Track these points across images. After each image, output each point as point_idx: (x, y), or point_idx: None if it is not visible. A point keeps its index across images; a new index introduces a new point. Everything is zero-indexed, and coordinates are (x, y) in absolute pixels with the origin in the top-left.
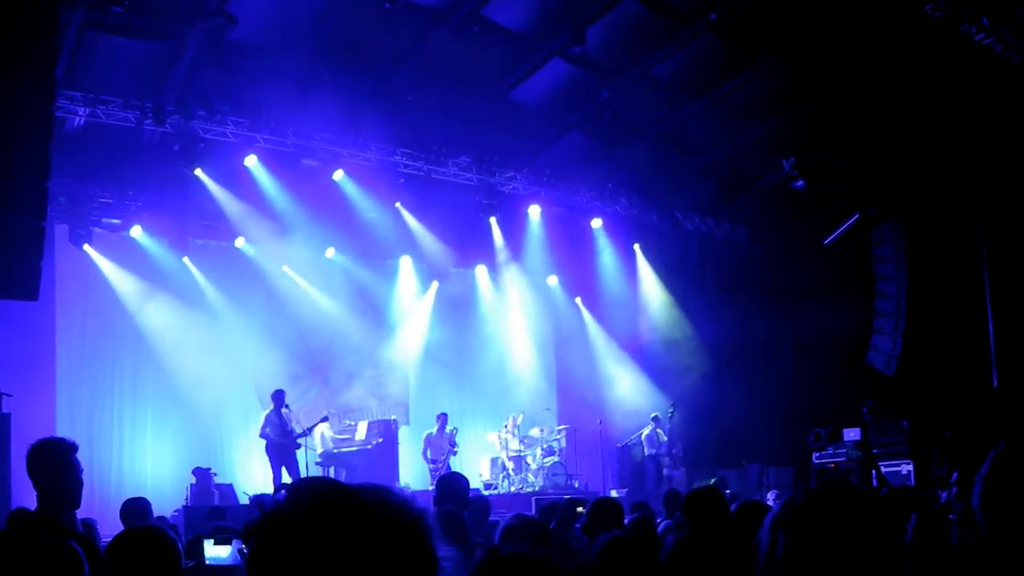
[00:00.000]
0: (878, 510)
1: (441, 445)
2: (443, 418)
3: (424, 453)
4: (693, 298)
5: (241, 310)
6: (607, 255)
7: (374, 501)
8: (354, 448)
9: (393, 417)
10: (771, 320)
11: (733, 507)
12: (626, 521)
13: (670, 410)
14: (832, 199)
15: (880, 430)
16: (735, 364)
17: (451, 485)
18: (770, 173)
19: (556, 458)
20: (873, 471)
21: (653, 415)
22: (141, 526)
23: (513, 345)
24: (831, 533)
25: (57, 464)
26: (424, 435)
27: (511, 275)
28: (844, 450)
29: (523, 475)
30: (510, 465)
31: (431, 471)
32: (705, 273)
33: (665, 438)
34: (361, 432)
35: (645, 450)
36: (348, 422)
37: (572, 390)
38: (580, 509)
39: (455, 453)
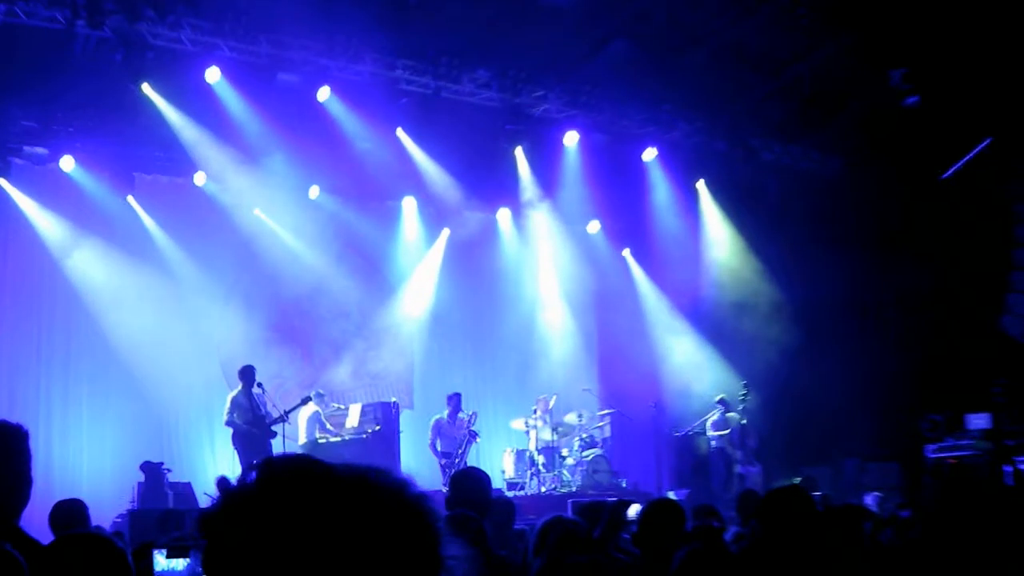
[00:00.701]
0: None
1: (454, 434)
2: (456, 399)
3: (433, 444)
4: (772, 249)
5: (201, 264)
6: (662, 194)
7: (362, 482)
8: (344, 438)
9: (393, 399)
10: (872, 276)
11: (823, 512)
12: (688, 528)
13: (742, 391)
14: (954, 120)
15: (1015, 416)
16: (825, 333)
17: (468, 484)
18: (871, 89)
19: (598, 451)
20: (1006, 467)
21: (720, 397)
22: (79, 533)
23: (544, 309)
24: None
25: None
26: (432, 421)
27: (541, 221)
28: (968, 441)
29: (556, 472)
30: (540, 459)
31: (442, 467)
32: (787, 216)
33: (736, 426)
34: (353, 418)
35: (711, 441)
36: (336, 406)
37: (618, 365)
38: (631, 513)
39: (474, 443)
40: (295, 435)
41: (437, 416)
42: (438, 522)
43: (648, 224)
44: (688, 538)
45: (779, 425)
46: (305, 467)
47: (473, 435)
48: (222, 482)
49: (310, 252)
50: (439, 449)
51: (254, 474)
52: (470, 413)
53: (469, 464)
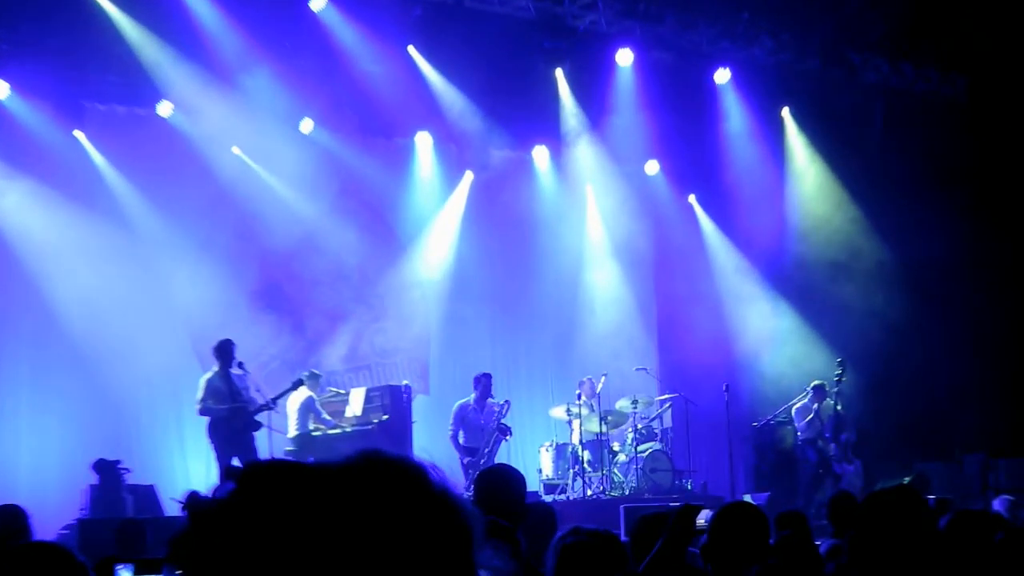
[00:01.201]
0: None
1: (482, 424)
2: (485, 382)
3: (454, 437)
4: (875, 194)
5: (166, 214)
6: (737, 126)
7: (368, 480)
8: (344, 430)
9: (405, 382)
10: (1002, 231)
11: (941, 520)
12: (771, 542)
13: (837, 372)
14: None
15: None
16: (941, 300)
17: (497, 486)
18: None
19: (657, 445)
20: None
21: (815, 384)
22: (26, 544)
23: (590, 269)
24: None
25: None
26: (456, 407)
27: (586, 160)
28: None
29: (606, 471)
30: (585, 456)
31: (465, 465)
32: (897, 153)
33: (830, 414)
34: (355, 405)
35: (798, 433)
36: (334, 391)
37: (682, 339)
38: (701, 521)
39: (506, 438)
40: (284, 426)
41: (462, 401)
42: (473, 521)
43: (720, 163)
44: (770, 552)
45: (883, 413)
46: (295, 474)
47: (505, 431)
48: (191, 499)
49: (301, 200)
50: (462, 443)
51: (230, 485)
52: (502, 402)
53: (498, 461)
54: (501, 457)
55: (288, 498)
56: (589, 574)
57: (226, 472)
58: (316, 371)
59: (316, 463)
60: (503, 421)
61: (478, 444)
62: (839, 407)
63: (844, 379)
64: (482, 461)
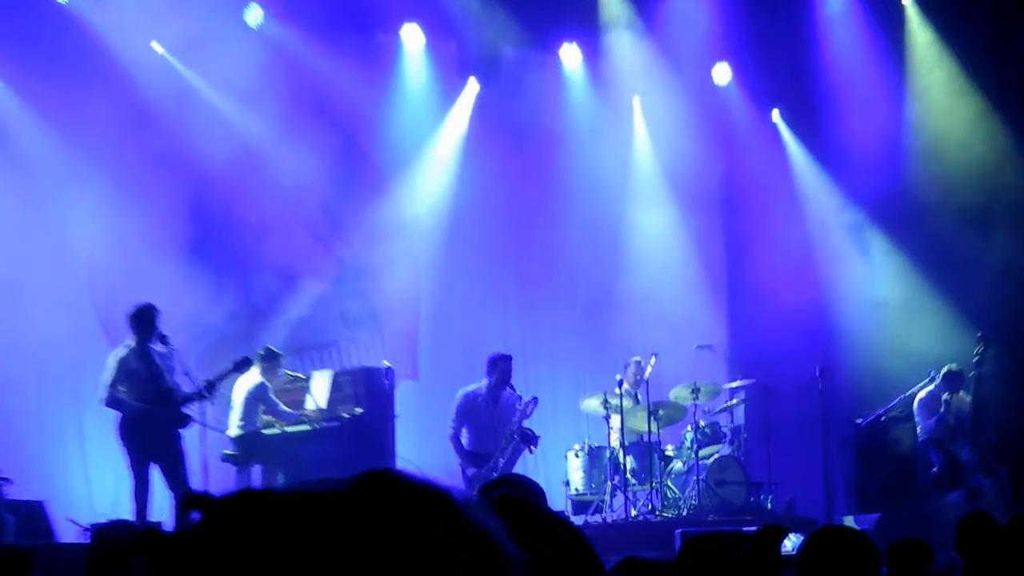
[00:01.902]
0: None
1: (495, 423)
2: (503, 367)
3: (455, 437)
4: None
5: (63, 134)
6: (839, 17)
7: (388, 518)
8: (306, 427)
9: (386, 363)
10: None
11: None
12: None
13: (976, 352)
14: None
15: None
16: None
17: (512, 501)
18: None
19: (726, 449)
20: None
21: (948, 369)
22: None
23: (636, 212)
24: None
25: None
26: (459, 397)
27: (633, 62)
28: None
29: (656, 483)
30: (628, 463)
31: (469, 478)
32: None
33: (966, 408)
34: (318, 394)
35: (919, 434)
36: (292, 374)
37: (760, 307)
38: (788, 547)
39: (530, 449)
40: (223, 420)
41: (469, 388)
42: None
43: (812, 68)
44: None
45: None
46: (280, 506)
47: (529, 439)
48: (101, 534)
49: (246, 117)
50: (466, 445)
51: (194, 516)
52: (528, 400)
53: (515, 471)
54: (522, 468)
55: (278, 537)
56: None
57: (183, 499)
58: (273, 348)
59: (300, 490)
60: (527, 425)
61: (489, 449)
62: (978, 400)
63: (984, 358)
64: (493, 475)
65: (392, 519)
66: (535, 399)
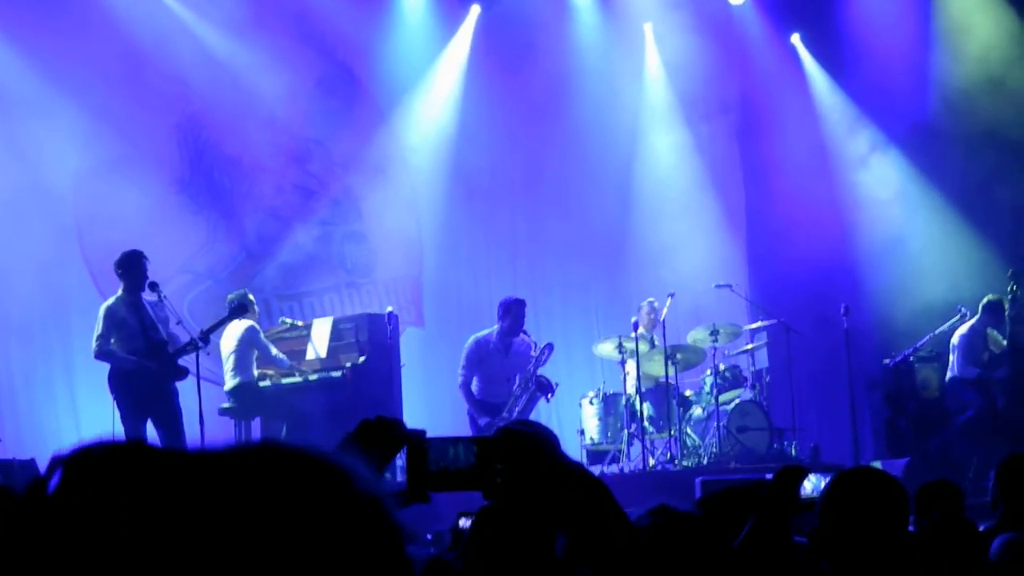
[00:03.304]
0: None
1: (508, 372)
2: (516, 311)
3: (466, 384)
4: None
5: (41, 67)
6: None
7: (269, 487)
8: (304, 378)
9: (389, 309)
10: None
11: None
12: (912, 526)
13: (1010, 287)
14: None
15: None
16: None
17: (526, 446)
18: None
19: (748, 393)
20: None
21: (989, 299)
22: None
23: (649, 143)
24: None
25: None
26: (469, 344)
27: None
28: None
29: (675, 431)
30: (646, 410)
31: (481, 428)
32: None
33: (1003, 344)
34: (319, 342)
35: (955, 369)
36: (289, 322)
37: (781, 243)
38: (806, 488)
39: (547, 397)
40: (219, 373)
41: (480, 334)
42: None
43: None
44: (911, 540)
45: None
46: (153, 462)
47: (546, 387)
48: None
49: (235, 48)
50: (477, 395)
51: (54, 477)
52: (542, 346)
53: (517, 422)
54: (538, 416)
55: (137, 499)
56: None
57: (52, 460)
58: (248, 293)
59: (189, 451)
60: (541, 371)
61: (501, 398)
62: (1015, 342)
63: (1019, 300)
64: (509, 415)
65: (268, 488)
66: (550, 345)
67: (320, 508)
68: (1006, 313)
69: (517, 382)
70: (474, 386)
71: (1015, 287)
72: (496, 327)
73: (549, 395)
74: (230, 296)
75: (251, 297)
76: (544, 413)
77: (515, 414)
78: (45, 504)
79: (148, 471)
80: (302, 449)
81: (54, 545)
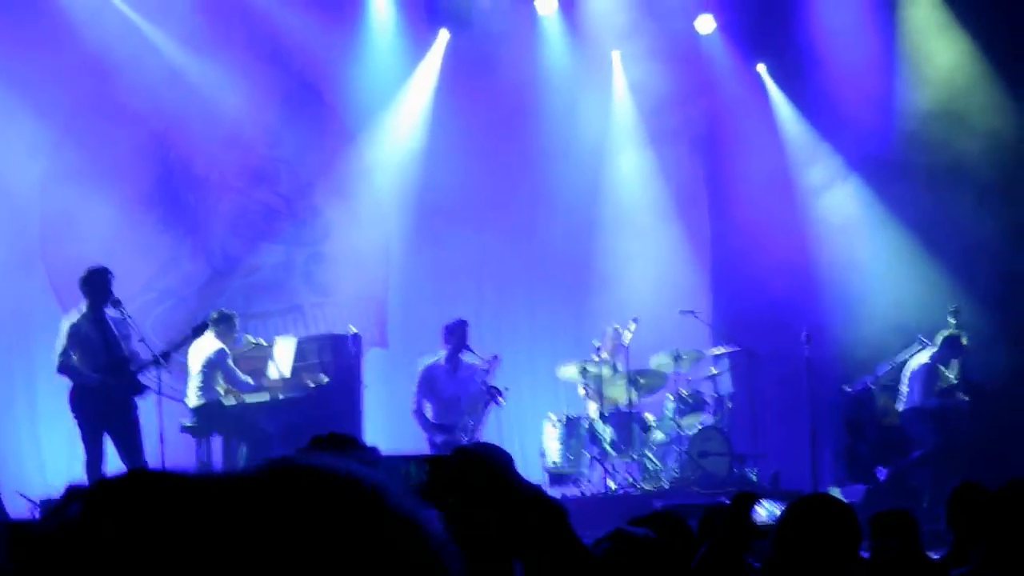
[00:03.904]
0: None
1: (458, 391)
2: (458, 332)
3: (419, 409)
4: None
5: (9, 87)
6: None
7: (301, 513)
8: (267, 397)
9: (353, 330)
10: None
11: None
12: (863, 551)
13: (952, 310)
14: None
15: None
16: None
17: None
18: None
19: (710, 418)
20: None
21: (947, 335)
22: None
23: (616, 170)
24: None
25: None
26: (420, 370)
27: (613, 12)
28: None
29: (637, 455)
30: (607, 434)
31: (438, 447)
32: None
33: (952, 381)
34: (282, 362)
35: (913, 399)
36: (253, 341)
37: (744, 270)
38: (762, 515)
39: (498, 402)
40: (181, 390)
41: (428, 360)
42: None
43: (800, 19)
44: (863, 567)
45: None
46: (175, 491)
47: (495, 394)
48: (11, 538)
49: (202, 67)
50: (430, 417)
51: (74, 507)
52: (488, 357)
53: (474, 442)
54: (488, 436)
55: (163, 529)
56: None
57: (68, 491)
58: (227, 311)
59: (208, 476)
60: (492, 381)
61: (454, 419)
62: (961, 373)
63: (958, 324)
64: (464, 439)
65: (302, 510)
66: (496, 356)
67: (357, 533)
68: (962, 346)
69: (469, 400)
70: (428, 410)
71: (955, 323)
72: (443, 352)
73: (500, 398)
74: (212, 314)
75: (229, 313)
76: (507, 435)
77: (471, 426)
78: (67, 535)
79: (176, 498)
80: (331, 468)
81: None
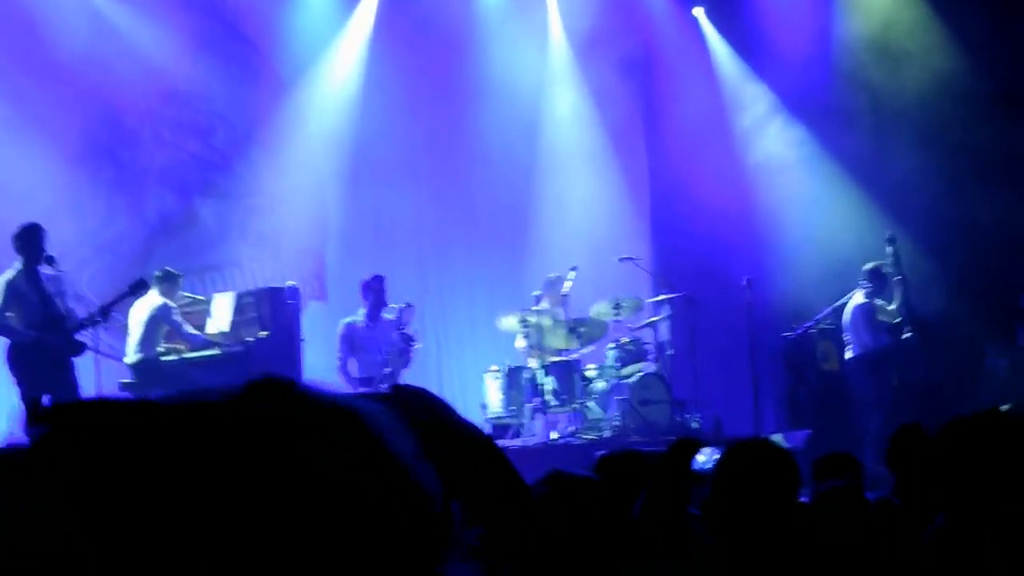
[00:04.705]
0: None
1: (379, 344)
2: (375, 288)
3: (344, 366)
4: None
5: None
6: None
7: (272, 433)
8: (206, 354)
9: (291, 283)
10: None
11: None
12: (803, 494)
13: (888, 249)
14: None
15: None
16: None
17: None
18: None
19: (651, 366)
20: None
21: (869, 267)
22: None
23: (552, 116)
24: None
25: None
26: (340, 329)
27: None
28: None
29: (578, 405)
30: (548, 384)
31: None
32: None
33: (890, 310)
34: (220, 317)
35: (862, 344)
36: (190, 296)
37: (683, 216)
38: (701, 460)
39: (412, 348)
40: (119, 348)
41: (348, 319)
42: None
43: None
44: (801, 511)
45: (959, 299)
46: (145, 414)
47: (408, 342)
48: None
49: (135, 19)
50: (354, 374)
51: (38, 429)
52: (400, 306)
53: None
54: (429, 388)
55: (135, 448)
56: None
57: (32, 410)
58: (171, 269)
59: (175, 399)
60: (406, 330)
61: (374, 371)
62: (903, 303)
63: (896, 257)
64: (383, 386)
65: (282, 434)
66: (409, 305)
67: (341, 463)
68: (889, 278)
69: (389, 353)
70: (352, 366)
71: (892, 249)
72: (362, 310)
73: (413, 346)
74: (156, 273)
75: (172, 271)
76: (447, 386)
77: (387, 374)
78: (31, 454)
79: (148, 420)
80: (313, 392)
81: (44, 496)
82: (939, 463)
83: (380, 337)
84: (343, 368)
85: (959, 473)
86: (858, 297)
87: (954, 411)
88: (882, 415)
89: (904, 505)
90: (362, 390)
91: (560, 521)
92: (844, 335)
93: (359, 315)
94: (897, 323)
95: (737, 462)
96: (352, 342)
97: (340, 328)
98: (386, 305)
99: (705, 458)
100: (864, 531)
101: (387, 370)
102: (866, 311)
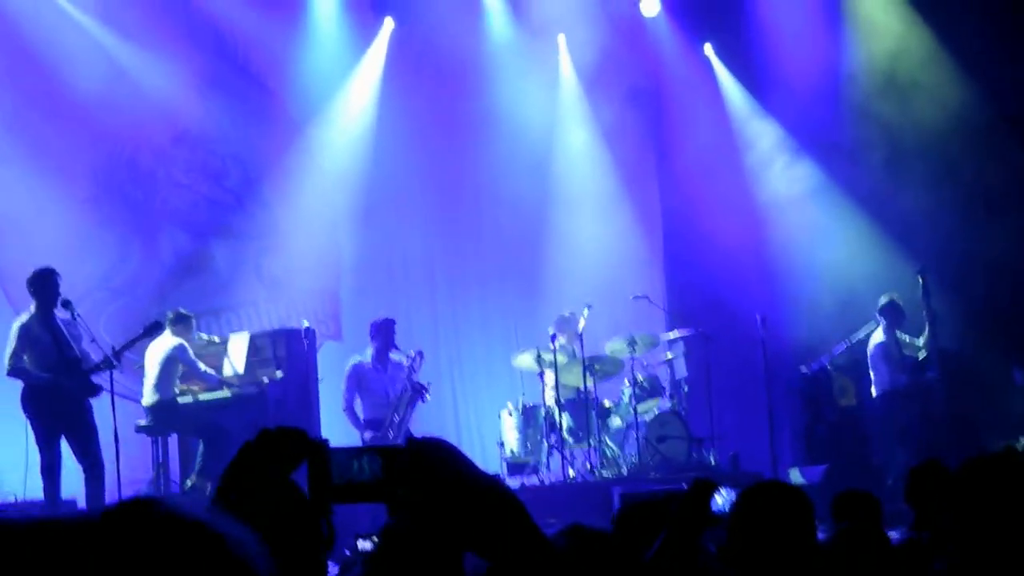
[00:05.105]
0: None
1: (386, 388)
2: (385, 329)
3: (349, 406)
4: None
5: None
6: None
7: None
8: (221, 395)
9: (306, 324)
10: None
11: None
12: (821, 536)
13: (919, 280)
14: None
15: None
16: None
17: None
18: None
19: (666, 403)
20: None
21: (884, 300)
22: None
23: (565, 156)
24: None
25: None
26: (347, 369)
27: None
28: None
29: (595, 442)
30: (565, 421)
31: (367, 441)
32: None
33: (914, 344)
34: (235, 358)
35: (883, 383)
36: (206, 338)
37: (697, 252)
38: (719, 501)
39: (423, 398)
40: (135, 390)
41: (355, 360)
42: None
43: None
44: (818, 551)
45: (984, 339)
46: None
47: (420, 389)
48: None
49: (147, 63)
50: (361, 416)
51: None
52: (412, 354)
53: (421, 436)
54: (446, 428)
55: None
56: None
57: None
58: (183, 310)
59: (43, 520)
60: (417, 376)
61: (383, 414)
62: (931, 339)
63: (927, 289)
64: (391, 435)
65: (138, 555)
66: (420, 352)
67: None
68: (905, 311)
69: (396, 397)
70: (359, 407)
71: (923, 281)
72: (370, 350)
73: (425, 395)
74: (169, 314)
75: (186, 312)
76: (464, 425)
77: (396, 421)
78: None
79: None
80: (176, 510)
81: None
82: (956, 499)
83: (388, 379)
84: (349, 408)
85: (973, 510)
86: (877, 335)
87: (982, 443)
88: (906, 452)
89: (929, 542)
90: (369, 433)
91: (578, 574)
92: (869, 372)
93: (367, 355)
94: (922, 359)
95: (753, 504)
96: (359, 382)
97: (347, 368)
98: (395, 348)
99: (722, 500)
100: (882, 570)
101: (396, 418)
102: (885, 349)
